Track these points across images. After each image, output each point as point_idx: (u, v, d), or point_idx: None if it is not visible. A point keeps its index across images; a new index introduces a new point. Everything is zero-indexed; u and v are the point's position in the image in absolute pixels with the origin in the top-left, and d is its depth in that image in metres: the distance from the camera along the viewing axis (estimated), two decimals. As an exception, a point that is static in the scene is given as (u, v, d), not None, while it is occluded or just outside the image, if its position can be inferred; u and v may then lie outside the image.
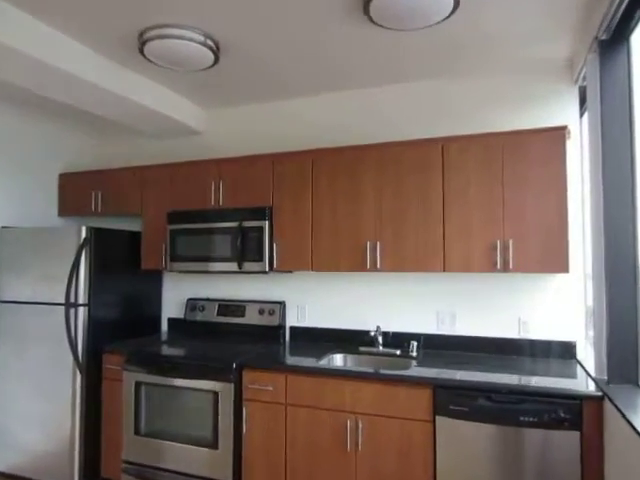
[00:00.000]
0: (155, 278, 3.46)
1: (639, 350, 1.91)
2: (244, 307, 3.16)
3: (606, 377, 1.96)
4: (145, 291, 3.36)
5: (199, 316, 3.27)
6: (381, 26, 2.13)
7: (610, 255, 1.95)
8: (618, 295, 1.94)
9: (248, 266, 2.82)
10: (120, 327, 3.10)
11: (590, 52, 2.05)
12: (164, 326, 3.50)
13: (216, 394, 2.50)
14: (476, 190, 2.44)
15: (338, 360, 2.75)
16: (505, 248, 2.37)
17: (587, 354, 2.50)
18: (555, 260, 2.30)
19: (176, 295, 3.48)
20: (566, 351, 2.53)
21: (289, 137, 3.20)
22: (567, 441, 1.95)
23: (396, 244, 2.57)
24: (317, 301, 3.08)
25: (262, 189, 2.88)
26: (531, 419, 1.99)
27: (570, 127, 2.50)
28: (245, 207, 2.88)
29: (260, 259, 2.79)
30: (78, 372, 2.80)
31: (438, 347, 2.77)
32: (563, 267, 2.29)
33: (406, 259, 2.54)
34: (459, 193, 2.47)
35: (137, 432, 2.68)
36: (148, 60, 2.42)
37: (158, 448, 2.61)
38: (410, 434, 2.19)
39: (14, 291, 2.96)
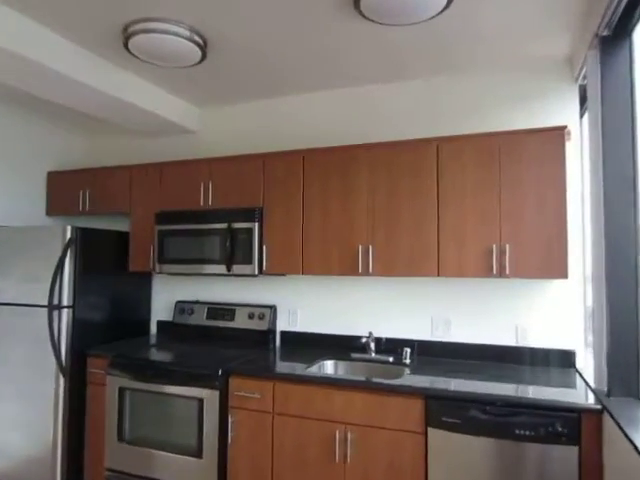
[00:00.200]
0: (145, 280, 3.38)
1: (640, 361, 1.82)
2: (234, 311, 3.07)
3: (606, 388, 1.87)
4: (134, 293, 3.28)
5: (188, 319, 3.18)
6: (372, 21, 2.05)
7: (611, 258, 1.86)
8: (619, 298, 1.85)
9: (237, 269, 2.73)
10: (107, 330, 3.02)
11: (590, 49, 1.97)
12: (153, 329, 3.42)
13: (201, 401, 2.41)
14: (472, 192, 2.35)
15: (329, 367, 2.66)
16: (502, 253, 2.27)
17: (587, 362, 2.41)
18: (553, 266, 2.20)
19: (166, 297, 3.40)
20: (565, 360, 2.44)
21: (283, 135, 3.12)
22: (565, 456, 1.85)
23: (389, 247, 2.48)
24: (309, 305, 2.99)
25: (252, 190, 2.80)
26: (527, 433, 1.90)
27: (570, 127, 2.41)
28: (235, 208, 2.80)
29: (249, 262, 2.71)
30: (61, 376, 2.72)
31: (432, 354, 2.68)
32: (562, 273, 2.19)
33: (399, 263, 2.45)
34: (454, 195, 2.38)
35: (120, 439, 2.59)
36: (133, 55, 2.35)
37: (142, 456, 2.53)
38: (401, 446, 2.10)
39: (-3, 292, 2.89)
